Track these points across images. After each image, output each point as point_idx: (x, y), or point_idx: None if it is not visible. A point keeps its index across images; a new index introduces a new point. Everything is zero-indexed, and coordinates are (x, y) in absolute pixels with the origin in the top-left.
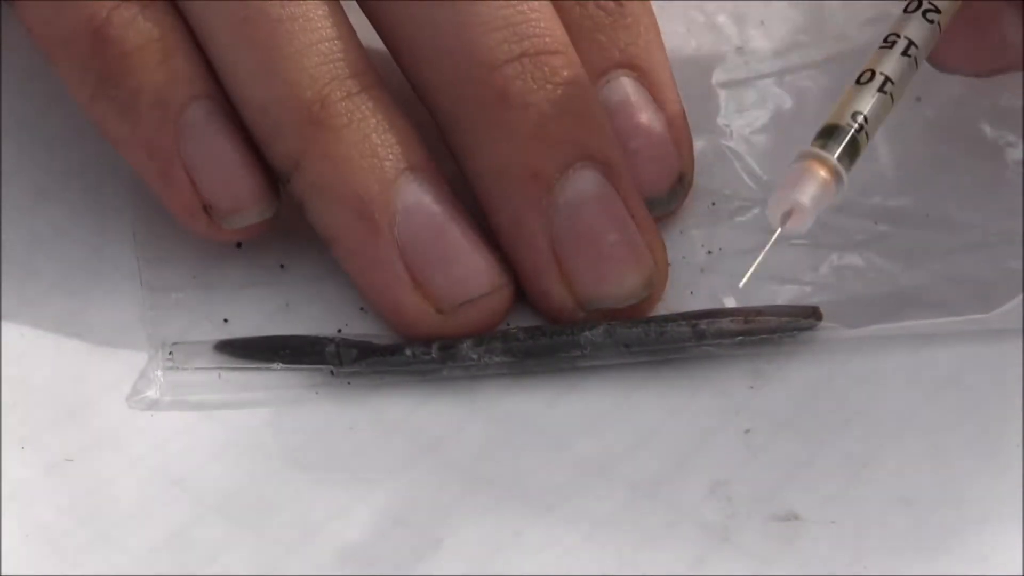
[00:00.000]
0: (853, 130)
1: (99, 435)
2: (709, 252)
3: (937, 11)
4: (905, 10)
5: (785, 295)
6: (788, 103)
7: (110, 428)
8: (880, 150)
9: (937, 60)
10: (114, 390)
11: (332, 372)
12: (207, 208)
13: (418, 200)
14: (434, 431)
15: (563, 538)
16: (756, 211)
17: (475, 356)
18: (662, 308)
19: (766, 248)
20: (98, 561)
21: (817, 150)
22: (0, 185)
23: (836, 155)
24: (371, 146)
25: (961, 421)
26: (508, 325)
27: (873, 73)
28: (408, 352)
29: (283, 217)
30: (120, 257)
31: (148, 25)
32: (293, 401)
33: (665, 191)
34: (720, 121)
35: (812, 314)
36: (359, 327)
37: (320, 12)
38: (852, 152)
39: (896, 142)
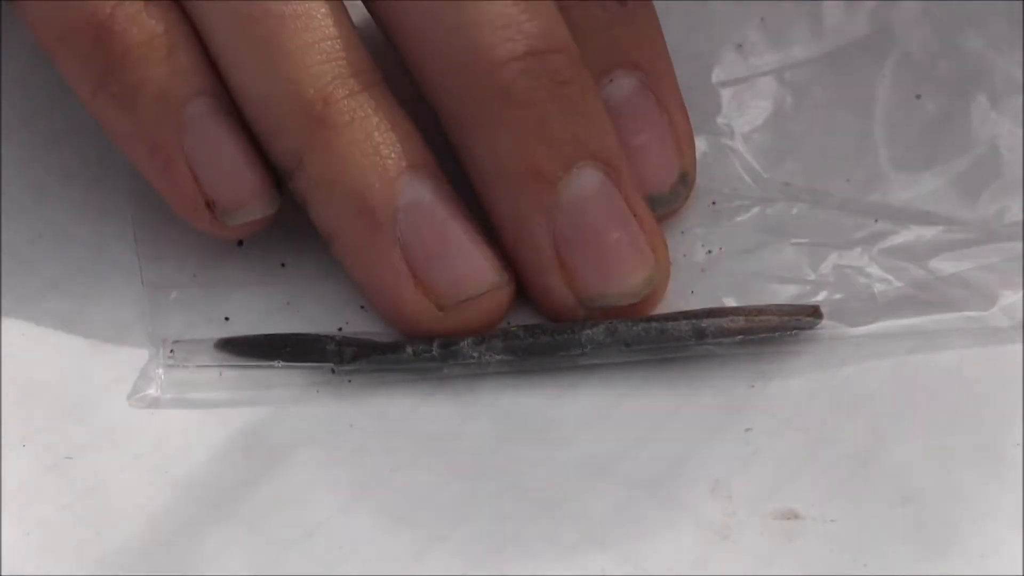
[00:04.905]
0: None
1: (100, 433)
2: (709, 251)
3: None
4: None
5: (786, 294)
6: (788, 100)
7: (111, 426)
8: (880, 147)
9: None
10: (115, 388)
11: (333, 370)
12: (209, 204)
13: (419, 198)
14: (434, 429)
15: (563, 537)
16: (756, 210)
17: (476, 354)
18: (663, 307)
19: None
20: (98, 559)
21: None
22: (0, 183)
23: None
24: (373, 144)
25: (961, 420)
26: (509, 323)
27: None
28: (409, 350)
29: (284, 215)
30: (121, 255)
31: (151, 21)
32: (294, 399)
33: (667, 190)
34: (720, 120)
35: (813, 313)
36: (360, 325)
37: (322, 10)
38: None
39: (896, 139)
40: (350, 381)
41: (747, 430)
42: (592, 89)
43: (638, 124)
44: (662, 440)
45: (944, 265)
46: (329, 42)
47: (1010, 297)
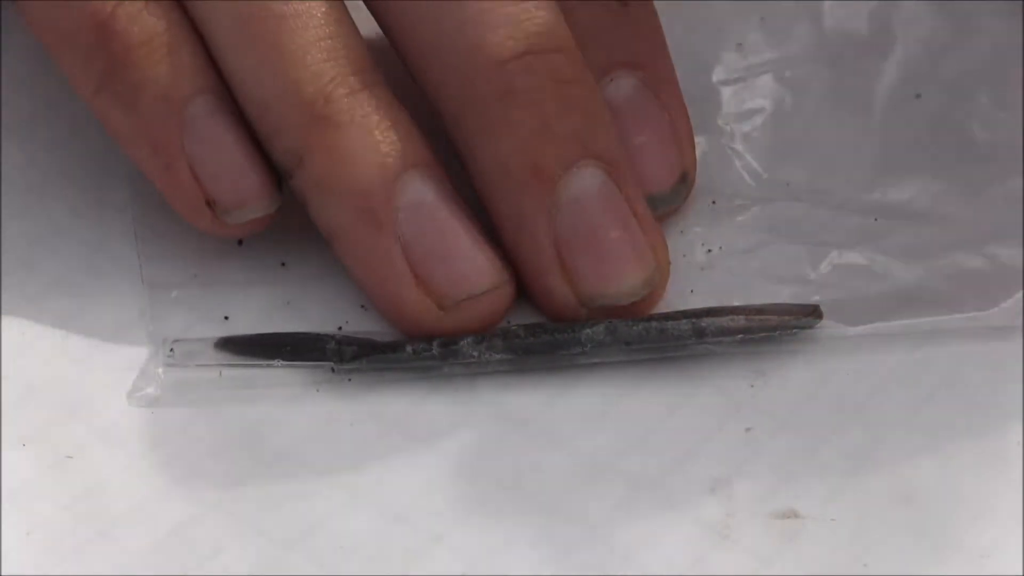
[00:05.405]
0: None
1: (99, 432)
2: (709, 251)
3: None
4: None
5: (786, 293)
6: (788, 100)
7: (111, 425)
8: (880, 147)
9: None
10: (115, 387)
11: (333, 369)
12: (210, 203)
13: (420, 197)
14: (434, 428)
15: (562, 536)
16: (756, 209)
17: (476, 353)
18: (663, 306)
19: None
20: (98, 559)
21: None
22: (0, 183)
23: None
24: (374, 143)
25: (961, 419)
26: (509, 322)
27: None
28: (409, 349)
29: (284, 215)
30: (121, 254)
31: (153, 20)
32: (294, 398)
33: (668, 189)
34: (720, 119)
35: (813, 312)
36: (360, 324)
37: (323, 9)
38: None
39: (896, 139)
40: (350, 380)
41: (747, 429)
42: (593, 88)
43: (639, 124)
44: (662, 439)
45: (944, 264)
46: (329, 41)
47: (1010, 297)
